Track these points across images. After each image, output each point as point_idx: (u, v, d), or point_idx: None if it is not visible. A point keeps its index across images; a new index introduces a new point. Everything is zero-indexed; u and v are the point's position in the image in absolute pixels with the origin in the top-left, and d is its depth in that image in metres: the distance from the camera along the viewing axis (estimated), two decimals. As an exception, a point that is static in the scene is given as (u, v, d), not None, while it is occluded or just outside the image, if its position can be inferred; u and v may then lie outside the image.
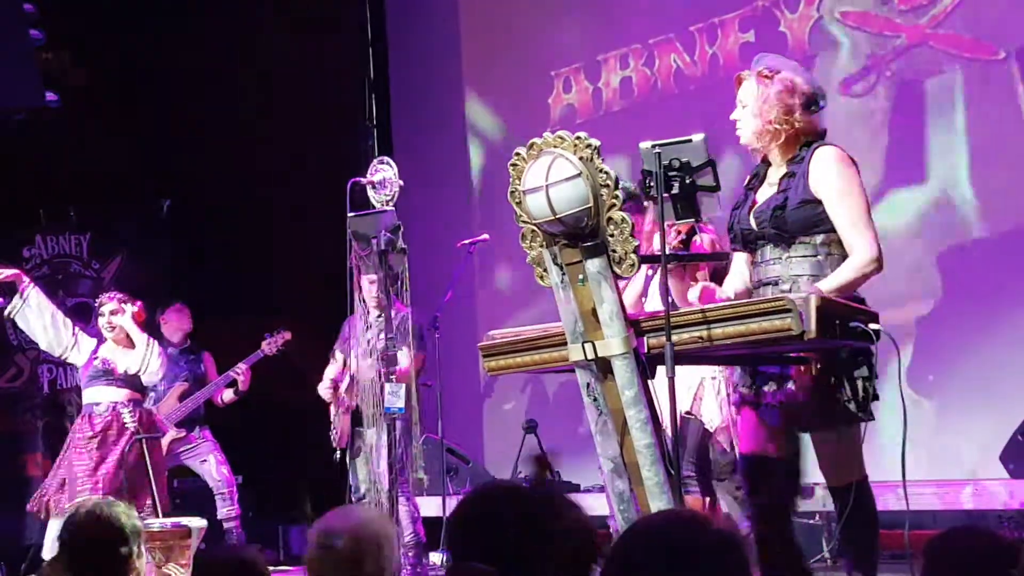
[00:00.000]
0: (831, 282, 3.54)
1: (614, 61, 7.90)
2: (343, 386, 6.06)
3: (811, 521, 5.92)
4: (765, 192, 3.80)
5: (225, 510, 7.00)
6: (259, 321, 7.12)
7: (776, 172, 3.80)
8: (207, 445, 7.14)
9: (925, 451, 6.14)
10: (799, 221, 3.67)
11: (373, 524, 2.77)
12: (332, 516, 2.80)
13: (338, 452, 6.04)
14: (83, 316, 8.18)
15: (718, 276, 4.35)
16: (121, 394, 6.12)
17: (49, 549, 5.78)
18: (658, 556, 1.56)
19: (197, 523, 5.54)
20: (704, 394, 4.85)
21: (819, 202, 3.66)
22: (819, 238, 3.65)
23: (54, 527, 5.89)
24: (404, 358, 5.77)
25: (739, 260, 3.94)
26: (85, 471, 5.98)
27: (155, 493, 5.92)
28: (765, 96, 3.72)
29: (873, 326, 3.37)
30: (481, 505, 2.33)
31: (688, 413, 4.76)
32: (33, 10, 4.91)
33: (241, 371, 7.10)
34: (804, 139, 3.75)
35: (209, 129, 8.65)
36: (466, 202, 8.50)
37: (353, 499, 5.92)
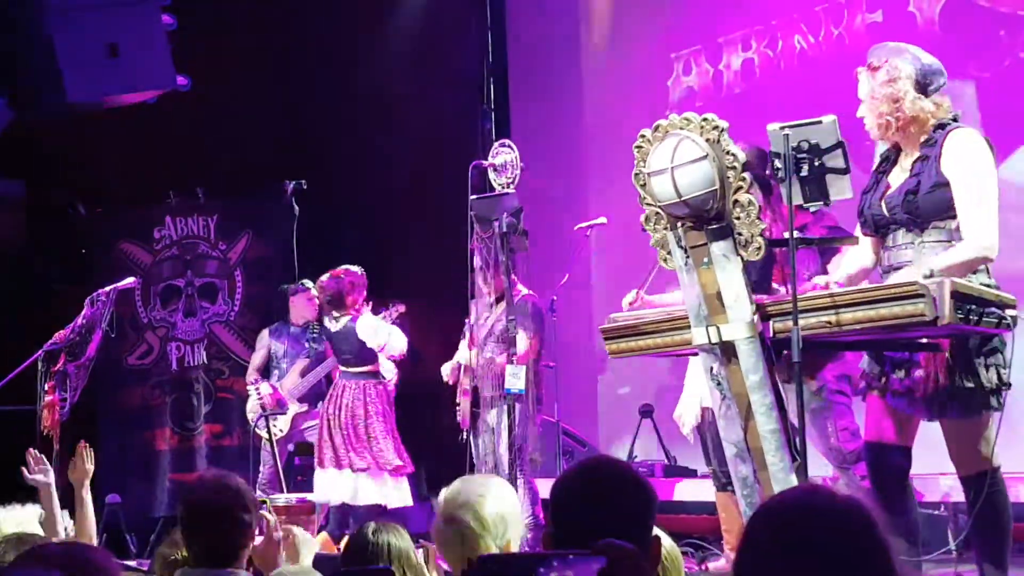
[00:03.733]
0: (941, 262, 3.45)
1: (736, 43, 7.79)
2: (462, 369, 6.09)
3: (936, 512, 5.79)
4: (897, 177, 3.73)
5: (347, 488, 7.10)
6: (380, 302, 7.18)
7: (908, 157, 3.73)
8: (329, 423, 7.24)
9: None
10: (932, 205, 3.59)
11: (497, 498, 2.79)
12: (460, 486, 2.82)
13: (464, 433, 6.06)
14: (210, 296, 8.41)
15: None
16: None
17: None
18: (780, 530, 1.54)
19: (321, 499, 5.65)
20: None
21: (950, 185, 3.58)
22: (953, 223, 3.58)
23: None
24: (522, 341, 5.79)
25: (859, 245, 3.88)
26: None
27: None
28: (871, 89, 3.68)
29: (1011, 312, 3.28)
30: (589, 476, 2.27)
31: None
32: (165, -6, 5.02)
33: None
34: (934, 122, 3.66)
35: (332, 112, 8.80)
36: (583, 185, 8.48)
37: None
